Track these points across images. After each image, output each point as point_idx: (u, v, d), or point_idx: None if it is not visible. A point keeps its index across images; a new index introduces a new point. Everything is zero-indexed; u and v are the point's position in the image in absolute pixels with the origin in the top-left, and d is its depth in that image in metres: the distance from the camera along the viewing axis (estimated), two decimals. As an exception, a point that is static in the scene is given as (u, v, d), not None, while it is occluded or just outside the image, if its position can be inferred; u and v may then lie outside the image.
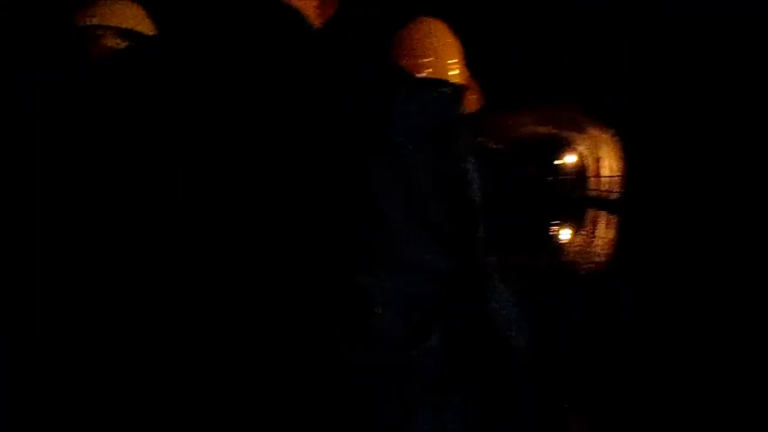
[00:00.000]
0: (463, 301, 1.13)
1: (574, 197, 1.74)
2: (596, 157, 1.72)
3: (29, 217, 1.07)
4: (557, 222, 1.74)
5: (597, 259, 1.76)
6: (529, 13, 1.79)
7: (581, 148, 1.71)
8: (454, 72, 1.21)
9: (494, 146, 1.61)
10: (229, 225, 1.02)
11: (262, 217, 1.03)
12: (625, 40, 1.89)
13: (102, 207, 1.02)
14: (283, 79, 1.04)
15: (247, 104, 1.02)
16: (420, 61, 1.16)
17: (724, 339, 1.81)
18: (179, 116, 1.01)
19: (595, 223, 1.76)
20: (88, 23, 1.18)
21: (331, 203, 1.05)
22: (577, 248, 1.75)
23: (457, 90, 1.18)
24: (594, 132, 1.72)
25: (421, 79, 1.16)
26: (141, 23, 1.15)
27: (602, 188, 1.74)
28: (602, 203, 1.77)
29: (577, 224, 1.75)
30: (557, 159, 1.71)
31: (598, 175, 1.73)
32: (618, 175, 1.74)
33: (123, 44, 1.11)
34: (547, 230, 1.73)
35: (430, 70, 1.17)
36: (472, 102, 1.40)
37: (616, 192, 1.76)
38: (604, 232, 1.76)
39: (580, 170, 1.72)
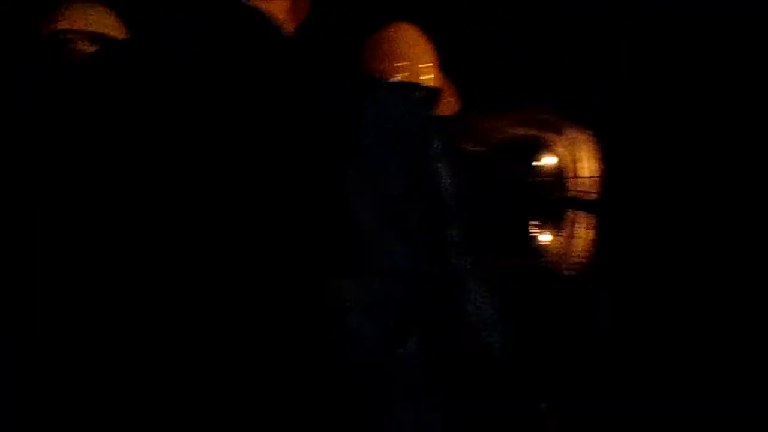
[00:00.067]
0: (439, 303, 1.13)
1: (553, 198, 1.75)
2: (574, 158, 1.73)
3: (9, 222, 1.06)
4: (536, 223, 1.74)
5: (576, 259, 1.77)
6: (509, 17, 1.79)
7: (560, 150, 1.72)
8: (428, 76, 1.21)
9: (473, 148, 1.61)
10: (204, 230, 1.02)
11: (236, 223, 1.03)
12: (611, 42, 1.90)
13: (74, 210, 1.02)
14: (253, 84, 1.04)
15: (217, 109, 1.02)
16: (393, 65, 1.17)
17: (702, 338, 1.82)
18: (148, 121, 1.01)
19: (573, 224, 1.77)
20: (58, 28, 1.18)
21: (305, 207, 1.05)
22: (556, 248, 1.76)
23: (430, 93, 1.18)
24: (572, 134, 1.73)
25: (393, 82, 1.16)
26: (111, 27, 1.14)
27: (581, 189, 1.75)
28: (581, 204, 1.78)
29: (556, 225, 1.76)
30: (536, 160, 1.72)
31: (576, 176, 1.74)
32: (596, 176, 1.75)
33: (93, 48, 1.10)
34: (527, 231, 1.74)
35: (405, 74, 1.17)
36: (449, 105, 1.41)
37: (594, 192, 1.76)
38: (583, 232, 1.77)
39: (559, 171, 1.73)
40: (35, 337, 1.05)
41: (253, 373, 1.01)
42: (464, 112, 1.53)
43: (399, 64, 1.17)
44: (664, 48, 1.92)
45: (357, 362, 1.04)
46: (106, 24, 1.16)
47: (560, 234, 1.75)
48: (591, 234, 1.76)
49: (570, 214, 1.76)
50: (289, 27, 1.15)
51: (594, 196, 1.77)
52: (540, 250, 1.74)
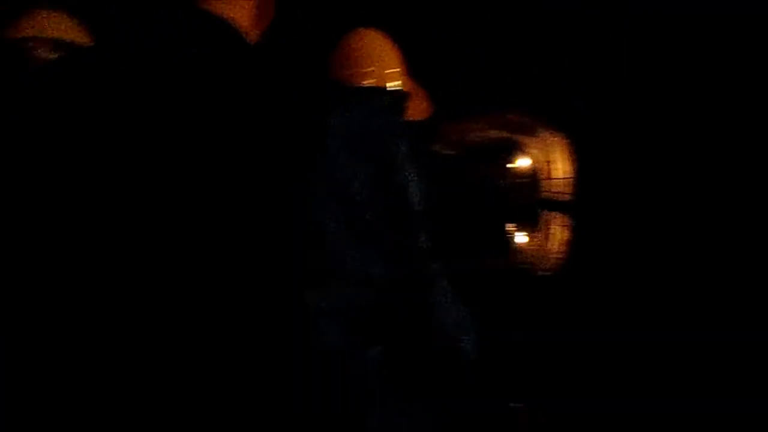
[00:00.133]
0: (407, 309, 1.14)
1: (527, 200, 1.75)
2: (548, 159, 1.73)
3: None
4: (510, 225, 1.75)
5: (551, 261, 1.78)
6: (479, 20, 1.80)
7: (533, 152, 1.72)
8: (395, 81, 1.21)
9: (446, 152, 1.61)
10: (162, 236, 1.02)
11: (198, 231, 1.03)
12: (598, 44, 1.91)
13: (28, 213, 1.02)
14: (216, 90, 1.04)
15: (179, 115, 1.02)
16: (359, 70, 1.17)
17: (682, 338, 1.83)
18: (109, 127, 1.01)
19: (548, 225, 1.77)
20: (20, 35, 1.17)
21: (271, 215, 1.05)
22: (530, 250, 1.76)
23: (397, 98, 1.19)
24: (545, 135, 1.74)
25: (359, 88, 1.16)
26: (74, 34, 1.14)
27: (554, 190, 1.76)
28: (555, 205, 1.78)
29: (531, 227, 1.76)
30: (509, 162, 1.72)
31: (549, 178, 1.74)
32: (570, 177, 1.75)
33: (57, 55, 1.10)
34: (500, 233, 1.74)
35: (371, 79, 1.18)
36: (419, 110, 1.41)
37: (568, 194, 1.77)
38: (558, 233, 1.78)
39: (532, 173, 1.73)
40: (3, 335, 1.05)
41: (217, 377, 1.02)
42: (436, 117, 1.53)
43: (365, 69, 1.17)
44: (653, 50, 1.92)
45: (323, 367, 1.04)
46: (70, 30, 1.16)
47: (535, 235, 1.75)
48: (566, 235, 1.77)
49: (544, 215, 1.77)
50: (253, 33, 1.15)
51: (568, 197, 1.77)
52: (514, 252, 1.75)
